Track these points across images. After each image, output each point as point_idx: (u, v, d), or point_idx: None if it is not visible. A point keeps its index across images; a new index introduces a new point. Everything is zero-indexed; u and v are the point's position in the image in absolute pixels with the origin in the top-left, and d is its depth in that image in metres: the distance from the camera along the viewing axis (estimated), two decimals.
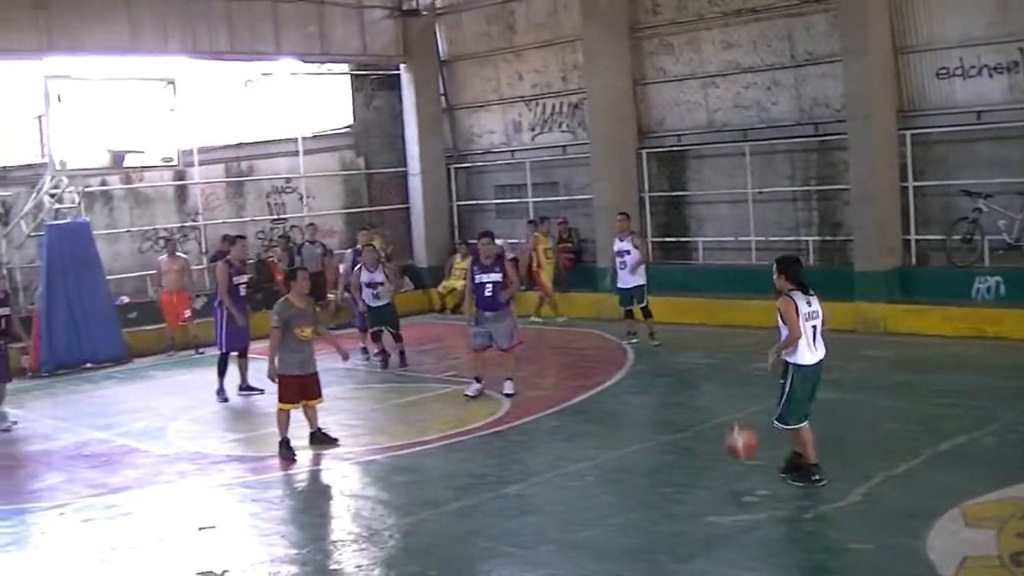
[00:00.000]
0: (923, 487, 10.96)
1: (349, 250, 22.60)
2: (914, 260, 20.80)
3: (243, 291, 18.07)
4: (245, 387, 18.03)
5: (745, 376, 16.54)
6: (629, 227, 21.01)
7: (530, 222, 25.17)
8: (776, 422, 11.34)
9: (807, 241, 22.32)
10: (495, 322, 16.65)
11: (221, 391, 17.91)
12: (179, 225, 26.38)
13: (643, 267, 20.52)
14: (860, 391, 15.55)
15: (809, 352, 11.23)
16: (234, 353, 18.05)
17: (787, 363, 11.29)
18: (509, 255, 25.93)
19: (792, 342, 11.10)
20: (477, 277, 16.63)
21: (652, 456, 12.62)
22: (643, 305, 20.61)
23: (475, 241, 18.82)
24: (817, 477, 11.11)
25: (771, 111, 22.85)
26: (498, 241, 26.00)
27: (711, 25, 23.45)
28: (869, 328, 19.87)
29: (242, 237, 19.60)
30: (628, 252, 20.50)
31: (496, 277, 16.57)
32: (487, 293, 16.57)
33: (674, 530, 10.20)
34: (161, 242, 25.82)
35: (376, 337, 20.23)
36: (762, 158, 22.83)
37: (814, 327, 11.24)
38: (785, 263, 11.71)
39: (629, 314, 20.85)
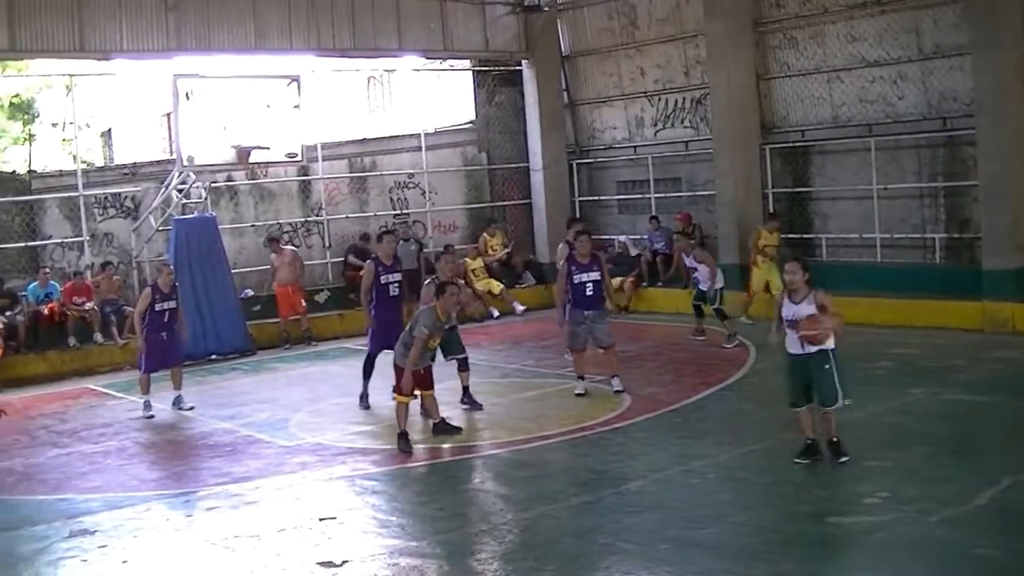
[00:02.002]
0: None
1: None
2: None
3: (394, 290, 17.01)
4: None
5: (866, 375, 16.33)
6: (689, 245, 21.50)
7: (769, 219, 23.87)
8: (846, 402, 12.02)
9: (933, 239, 21.98)
10: (595, 321, 16.59)
11: (364, 397, 17.07)
12: (303, 220, 26.75)
13: (720, 274, 20.68)
14: (989, 393, 15.34)
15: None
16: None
17: (826, 350, 11.99)
18: (633, 251, 26.07)
19: (842, 327, 12.11)
20: (576, 276, 16.49)
21: (773, 455, 12.52)
22: (716, 307, 20.63)
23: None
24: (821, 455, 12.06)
25: (897, 106, 22.50)
26: (622, 238, 26.37)
27: (836, 18, 23.17)
28: (996, 328, 19.46)
29: (390, 232, 18.77)
30: (696, 269, 20.78)
31: (596, 276, 16.49)
32: (588, 292, 16.48)
33: (794, 530, 10.13)
34: (286, 236, 26.25)
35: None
36: (887, 154, 22.51)
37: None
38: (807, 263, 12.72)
39: (698, 311, 21.11)
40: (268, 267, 24.79)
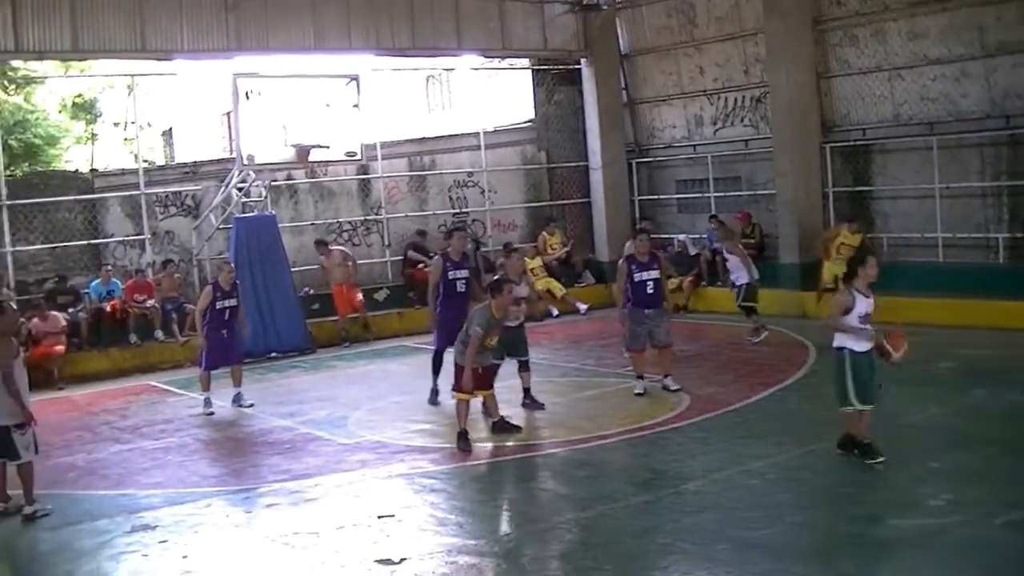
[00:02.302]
0: None
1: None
2: None
3: (461, 286, 17.03)
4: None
5: (927, 376, 16.22)
6: (724, 233, 22.03)
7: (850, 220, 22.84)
8: (860, 404, 12.00)
9: (996, 238, 21.77)
10: (655, 320, 16.57)
11: (434, 392, 17.14)
12: (362, 219, 26.85)
13: (750, 267, 20.73)
14: None
15: (867, 342, 12.01)
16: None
17: (842, 350, 12.04)
18: (692, 251, 25.99)
19: (833, 326, 12.18)
20: (636, 275, 16.45)
21: (832, 455, 12.41)
22: (739, 303, 20.81)
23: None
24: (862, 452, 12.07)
25: (960, 104, 22.27)
26: (681, 237, 26.30)
27: (897, 16, 22.95)
28: None
29: (459, 230, 19.04)
30: (727, 259, 21.25)
31: (656, 274, 16.48)
32: (649, 291, 16.46)
33: (854, 532, 10.03)
34: (345, 235, 26.40)
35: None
36: (950, 152, 22.28)
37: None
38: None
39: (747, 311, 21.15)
40: (325, 266, 24.82)
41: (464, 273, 17.17)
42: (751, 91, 26.58)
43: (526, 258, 25.11)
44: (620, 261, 17.22)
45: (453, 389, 14.42)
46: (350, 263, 24.57)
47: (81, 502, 12.91)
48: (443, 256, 17.32)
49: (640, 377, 16.63)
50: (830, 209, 24.16)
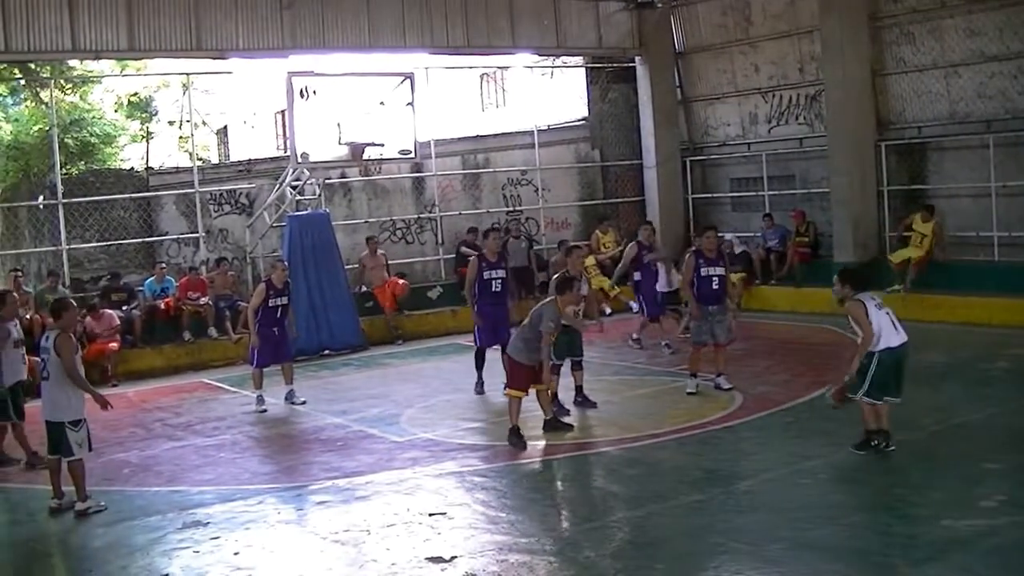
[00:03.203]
0: None
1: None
2: None
3: (496, 286, 17.43)
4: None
5: (984, 376, 16.07)
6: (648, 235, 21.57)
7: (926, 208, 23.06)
8: (865, 397, 12.30)
9: None
10: (718, 316, 16.51)
11: (479, 383, 17.68)
12: (416, 216, 26.88)
13: (671, 275, 20.69)
14: None
15: (895, 336, 12.24)
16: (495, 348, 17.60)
17: (871, 352, 12.21)
18: (739, 249, 25.84)
19: (867, 344, 12.15)
20: (703, 270, 16.46)
21: (886, 455, 12.32)
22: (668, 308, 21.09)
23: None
24: (877, 441, 12.32)
25: (1017, 101, 22.03)
26: (729, 236, 26.16)
27: (954, 13, 22.74)
28: None
29: (495, 230, 19.41)
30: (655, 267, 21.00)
31: (722, 271, 16.49)
32: (714, 287, 16.44)
33: (907, 532, 9.96)
34: (399, 233, 26.47)
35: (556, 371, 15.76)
36: (1007, 150, 22.04)
37: (888, 313, 12.34)
38: (846, 273, 12.93)
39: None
40: (368, 265, 25.05)
41: (500, 273, 17.49)
42: (806, 89, 26.41)
43: None
44: (687, 255, 17.24)
45: (506, 386, 14.41)
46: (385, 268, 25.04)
47: (134, 498, 13.01)
48: (479, 256, 17.76)
49: (693, 375, 16.56)
50: (885, 208, 23.95)
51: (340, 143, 22.23)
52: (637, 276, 20.87)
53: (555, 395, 15.44)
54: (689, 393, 16.40)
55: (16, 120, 32.59)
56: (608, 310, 25.44)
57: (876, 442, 12.25)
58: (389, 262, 25.29)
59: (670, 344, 20.38)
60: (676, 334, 20.67)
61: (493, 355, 17.37)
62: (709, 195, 29.21)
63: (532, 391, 14.34)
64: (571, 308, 15.01)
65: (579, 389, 16.23)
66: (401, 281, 24.71)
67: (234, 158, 36.17)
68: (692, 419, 14.93)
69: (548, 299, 14.53)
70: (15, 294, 16.21)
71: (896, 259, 22.59)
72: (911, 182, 23.99)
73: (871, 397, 12.28)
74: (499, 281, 17.43)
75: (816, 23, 24.91)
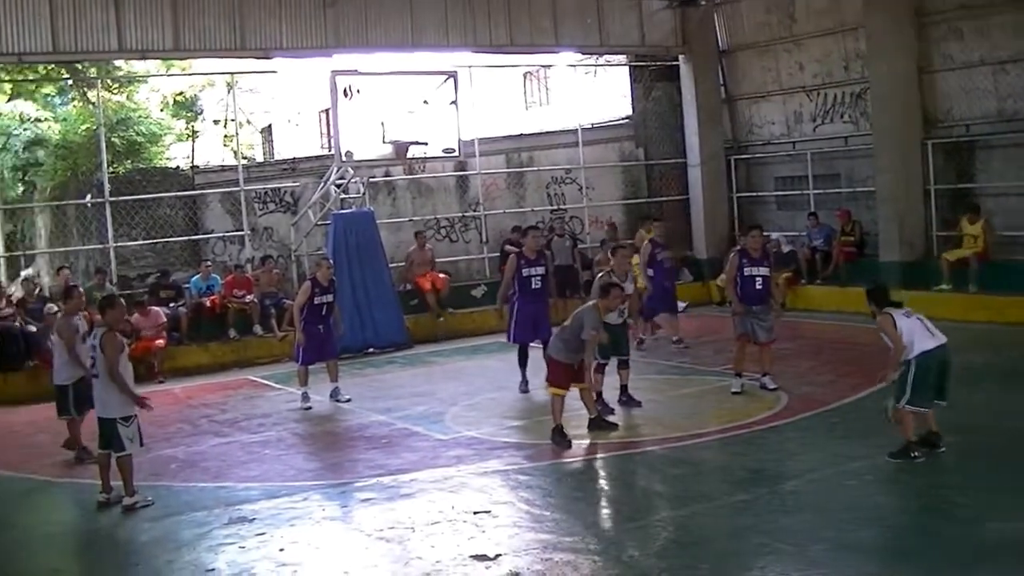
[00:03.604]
0: None
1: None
2: None
3: (536, 283, 17.52)
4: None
5: None
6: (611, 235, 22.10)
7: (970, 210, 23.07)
8: (908, 405, 12.06)
9: None
10: (760, 316, 16.42)
11: (523, 382, 17.68)
12: (460, 215, 26.94)
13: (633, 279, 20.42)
14: None
15: (930, 339, 12.10)
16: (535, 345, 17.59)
17: (907, 360, 12.06)
18: (787, 248, 25.74)
19: (899, 354, 12.06)
20: (747, 270, 16.36)
21: (932, 457, 12.23)
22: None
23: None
24: (916, 454, 12.03)
25: None
26: (775, 235, 26.08)
27: (1003, 9, 22.50)
28: None
29: (535, 228, 19.46)
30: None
31: (766, 271, 16.39)
32: (758, 286, 16.35)
33: (953, 534, 9.87)
34: (443, 231, 26.53)
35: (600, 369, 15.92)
36: None
37: (919, 319, 12.27)
38: (871, 293, 12.83)
39: None
40: (415, 260, 25.13)
41: (539, 270, 17.58)
42: (851, 87, 26.25)
43: None
44: (731, 254, 17.22)
45: (547, 381, 14.40)
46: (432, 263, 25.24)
47: (181, 494, 13.09)
48: (518, 253, 17.89)
49: (738, 375, 16.51)
50: (932, 207, 23.79)
51: (384, 141, 22.30)
52: (650, 272, 20.93)
53: (600, 394, 15.49)
54: (734, 393, 16.33)
55: (64, 120, 32.89)
56: None
57: (915, 455, 12.05)
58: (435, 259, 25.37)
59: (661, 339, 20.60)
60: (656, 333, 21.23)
61: (535, 353, 17.35)
62: (754, 194, 29.10)
63: (575, 389, 14.34)
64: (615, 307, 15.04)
65: (624, 388, 16.20)
66: (442, 275, 24.82)
67: (279, 156, 36.33)
68: (737, 419, 14.88)
69: (590, 303, 14.51)
70: (80, 288, 16.25)
71: (951, 257, 22.40)
72: (958, 181, 23.79)
73: (915, 405, 12.11)
74: (539, 278, 17.54)
75: (861, 20, 24.73)
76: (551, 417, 14.18)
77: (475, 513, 11.39)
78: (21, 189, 34.25)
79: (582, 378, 14.29)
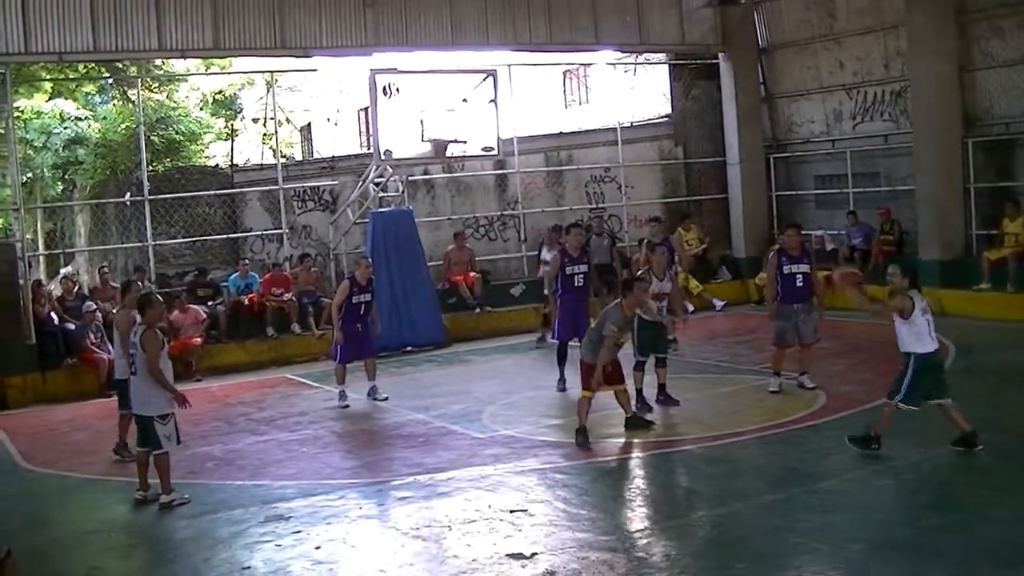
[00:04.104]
0: None
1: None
2: None
3: (579, 280, 17.63)
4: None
5: None
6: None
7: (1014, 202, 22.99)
8: (901, 402, 12.42)
9: None
10: (803, 315, 16.32)
11: (561, 379, 17.64)
12: (499, 213, 26.95)
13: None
14: None
15: (931, 343, 12.46)
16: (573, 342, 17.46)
17: (909, 353, 12.43)
18: (830, 246, 25.62)
19: (883, 317, 12.75)
20: (787, 268, 16.25)
21: (971, 457, 12.18)
22: None
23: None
24: (876, 447, 12.47)
25: None
26: (819, 233, 25.95)
27: None
28: None
29: (577, 225, 19.47)
30: None
31: (806, 268, 16.25)
32: (798, 284, 16.24)
33: (993, 535, 9.80)
34: (481, 230, 26.55)
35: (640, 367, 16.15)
36: None
37: (928, 320, 12.49)
38: (914, 274, 13.16)
39: None
40: (453, 260, 25.23)
41: (582, 268, 17.68)
42: (891, 85, 26.11)
43: None
44: (770, 254, 17.16)
45: (583, 388, 14.36)
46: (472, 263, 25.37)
47: (218, 492, 13.15)
48: (561, 251, 17.93)
49: (777, 374, 16.44)
50: (972, 205, 23.63)
51: (423, 140, 22.33)
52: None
53: (639, 391, 15.48)
54: (772, 392, 16.27)
55: (104, 118, 33.03)
56: (691, 308, 25.32)
57: (875, 447, 12.45)
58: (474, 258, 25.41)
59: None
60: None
61: (574, 353, 17.32)
62: (793, 192, 28.97)
63: (608, 392, 14.34)
64: (653, 303, 15.02)
65: (662, 387, 16.18)
66: (472, 273, 24.89)
67: (318, 155, 36.36)
68: (774, 418, 14.85)
69: (615, 301, 14.50)
70: (158, 295, 16.26)
71: (992, 256, 22.26)
72: (999, 179, 23.63)
73: (908, 403, 12.36)
74: (582, 276, 17.63)
75: (902, 18, 24.60)
76: (588, 417, 14.18)
77: (512, 512, 11.41)
78: (61, 188, 34.43)
79: (615, 379, 14.26)
